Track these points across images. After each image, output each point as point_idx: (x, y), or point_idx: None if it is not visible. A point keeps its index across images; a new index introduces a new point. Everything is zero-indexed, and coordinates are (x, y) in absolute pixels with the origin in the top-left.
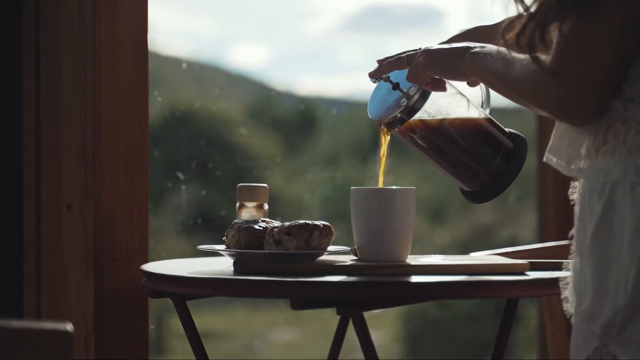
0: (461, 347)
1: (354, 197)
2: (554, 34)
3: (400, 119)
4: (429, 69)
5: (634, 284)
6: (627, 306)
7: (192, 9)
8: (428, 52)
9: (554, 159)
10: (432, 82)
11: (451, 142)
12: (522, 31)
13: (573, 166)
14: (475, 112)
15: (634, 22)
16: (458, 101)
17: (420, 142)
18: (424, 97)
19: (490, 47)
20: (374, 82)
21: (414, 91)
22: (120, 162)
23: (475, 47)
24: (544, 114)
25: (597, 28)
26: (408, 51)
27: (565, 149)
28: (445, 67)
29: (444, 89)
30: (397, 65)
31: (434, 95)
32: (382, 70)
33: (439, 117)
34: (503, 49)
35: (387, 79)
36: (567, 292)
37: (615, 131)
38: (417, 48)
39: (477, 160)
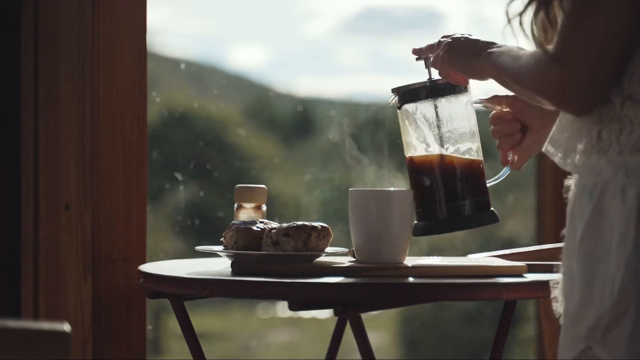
0: (459, 349)
1: (352, 199)
2: (558, 12)
3: (411, 91)
4: (447, 65)
5: (620, 288)
6: (612, 310)
7: (191, 10)
8: (449, 47)
9: (552, 150)
10: (453, 76)
11: (439, 167)
12: (525, 10)
13: (569, 160)
14: (477, 140)
15: (637, 6)
16: (469, 116)
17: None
18: (443, 85)
19: (508, 46)
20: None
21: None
22: (119, 162)
23: (494, 47)
24: (547, 104)
25: (599, 11)
26: (447, 36)
27: (564, 142)
28: (461, 66)
29: (465, 82)
30: (431, 50)
31: (450, 102)
32: (422, 51)
33: (444, 129)
34: (517, 47)
35: (420, 59)
36: (556, 292)
37: (610, 129)
38: (452, 33)
39: (455, 190)
